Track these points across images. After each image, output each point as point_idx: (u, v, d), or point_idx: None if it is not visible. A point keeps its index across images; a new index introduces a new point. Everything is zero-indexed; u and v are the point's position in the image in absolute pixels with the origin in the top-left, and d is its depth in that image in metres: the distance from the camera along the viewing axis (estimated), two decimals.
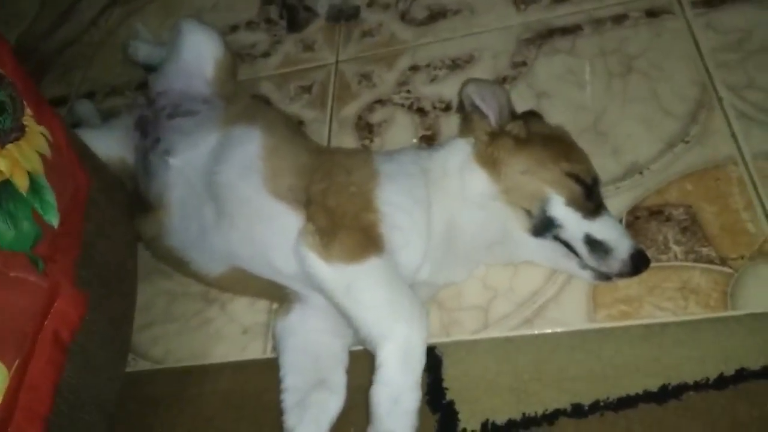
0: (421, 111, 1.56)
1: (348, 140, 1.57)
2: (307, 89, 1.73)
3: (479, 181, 1.14)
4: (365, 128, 1.58)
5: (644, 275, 1.13)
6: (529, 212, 1.12)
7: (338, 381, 1.11)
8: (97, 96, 2.00)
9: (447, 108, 1.54)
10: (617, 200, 1.25)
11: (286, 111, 1.67)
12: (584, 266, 1.12)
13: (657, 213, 1.22)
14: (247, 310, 1.35)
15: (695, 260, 1.14)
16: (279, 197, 1.15)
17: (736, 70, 1.36)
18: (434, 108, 1.56)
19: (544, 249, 1.14)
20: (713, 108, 1.32)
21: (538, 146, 1.14)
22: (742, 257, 1.12)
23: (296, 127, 1.43)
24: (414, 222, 1.10)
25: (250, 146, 1.23)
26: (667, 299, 1.11)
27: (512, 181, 1.12)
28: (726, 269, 1.12)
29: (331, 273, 1.04)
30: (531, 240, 1.13)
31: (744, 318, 1.05)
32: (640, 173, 1.28)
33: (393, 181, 1.13)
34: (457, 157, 1.17)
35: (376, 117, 1.59)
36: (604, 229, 1.10)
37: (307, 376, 1.12)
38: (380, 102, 1.62)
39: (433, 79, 1.61)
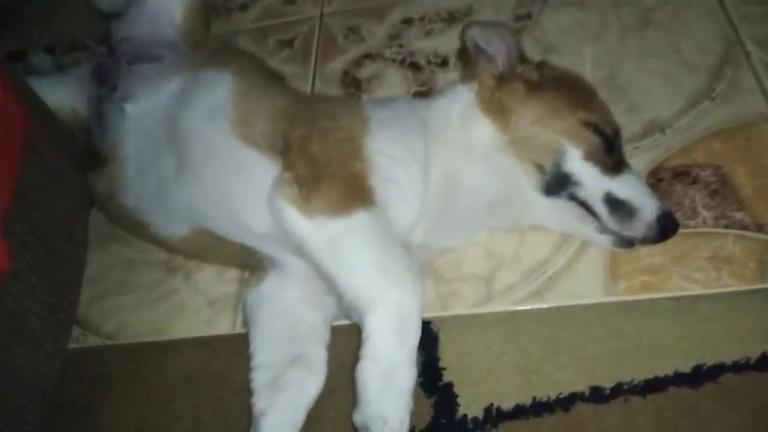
0: (414, 66, 1.41)
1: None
2: (288, 43, 1.56)
3: (484, 131, 0.99)
4: (352, 84, 1.42)
5: (669, 243, 0.99)
6: (540, 167, 0.97)
7: (317, 358, 0.96)
8: (56, 50, 1.80)
9: (444, 63, 1.39)
10: (636, 161, 1.10)
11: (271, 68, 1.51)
12: (603, 230, 0.97)
13: (682, 174, 1.08)
14: (215, 281, 1.18)
15: (727, 226, 1.01)
16: (250, 144, 0.99)
17: (762, 24, 1.23)
18: (429, 63, 1.40)
19: (556, 211, 0.99)
20: (740, 63, 1.19)
21: (553, 92, 0.99)
22: None
23: (274, 74, 1.26)
24: (409, 175, 0.95)
25: (219, 90, 1.07)
26: (697, 270, 0.97)
27: (522, 131, 0.98)
28: (762, 236, 0.98)
29: (312, 228, 0.88)
30: (542, 200, 0.98)
31: None
32: (662, 132, 1.14)
33: (386, 129, 0.97)
34: (458, 105, 1.02)
35: (364, 72, 1.44)
36: (627, 187, 0.96)
37: (282, 351, 0.96)
38: (369, 57, 1.46)
39: (429, 33, 1.46)
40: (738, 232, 0.99)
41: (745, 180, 1.04)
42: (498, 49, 1.03)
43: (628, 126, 1.15)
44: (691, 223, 1.02)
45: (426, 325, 1.00)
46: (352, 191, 0.90)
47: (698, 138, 1.11)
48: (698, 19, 1.28)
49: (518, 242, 1.07)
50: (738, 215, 1.01)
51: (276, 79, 1.24)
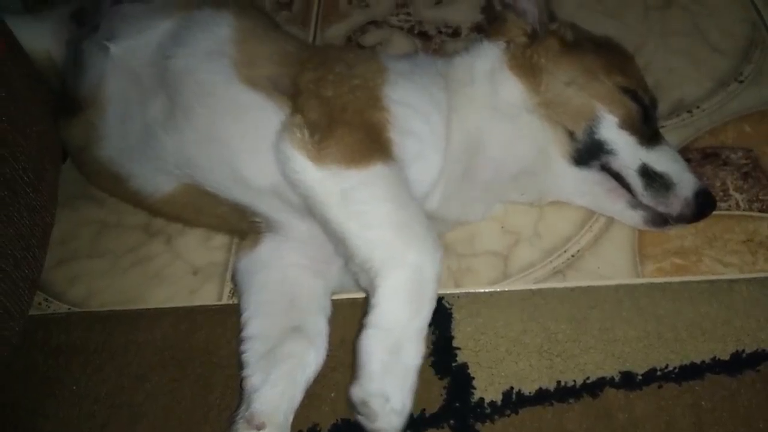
0: (423, 35, 1.32)
1: None
2: (287, 5, 1.46)
3: (512, 90, 0.91)
4: None
5: (700, 225, 0.93)
6: (572, 134, 0.89)
7: (318, 330, 0.85)
8: None
9: (455, 33, 1.31)
10: None
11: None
12: (635, 206, 0.90)
13: (712, 156, 1.02)
14: (201, 247, 1.06)
15: (761, 210, 0.95)
16: (253, 85, 0.89)
17: None
18: (439, 32, 1.32)
19: (585, 183, 0.92)
20: (767, 47, 1.14)
21: (590, 53, 0.92)
22: None
23: (277, 22, 1.16)
24: (432, 130, 0.86)
25: (220, 29, 0.96)
26: (731, 253, 0.91)
27: (554, 93, 0.90)
28: None
29: (324, 178, 0.78)
30: (571, 170, 0.91)
31: None
32: (689, 112, 1.08)
33: (405, 79, 0.88)
34: (486, 62, 0.93)
35: (369, 39, 1.34)
36: (665, 160, 0.89)
37: (279, 321, 0.85)
38: (374, 23, 1.37)
39: (439, 3, 1.38)
40: None
41: None
42: (527, 4, 0.95)
43: None
44: (723, 205, 0.96)
45: (438, 301, 0.90)
46: (371, 141, 0.80)
47: (727, 120, 1.06)
48: (721, 2, 1.23)
49: (538, 218, 0.99)
50: None
51: (279, 25, 1.14)
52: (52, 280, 1.06)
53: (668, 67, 1.15)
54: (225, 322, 0.94)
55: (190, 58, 0.94)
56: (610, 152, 0.88)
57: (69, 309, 1.02)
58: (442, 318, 0.89)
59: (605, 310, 0.87)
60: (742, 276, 0.88)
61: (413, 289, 0.74)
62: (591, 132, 0.89)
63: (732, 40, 1.16)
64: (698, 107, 1.08)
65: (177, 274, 1.04)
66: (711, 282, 0.88)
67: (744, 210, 0.95)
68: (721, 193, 0.97)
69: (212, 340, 0.94)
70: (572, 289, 0.90)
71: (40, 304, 1.03)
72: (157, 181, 0.97)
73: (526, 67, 0.91)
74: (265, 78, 0.90)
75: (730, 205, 0.96)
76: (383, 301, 0.74)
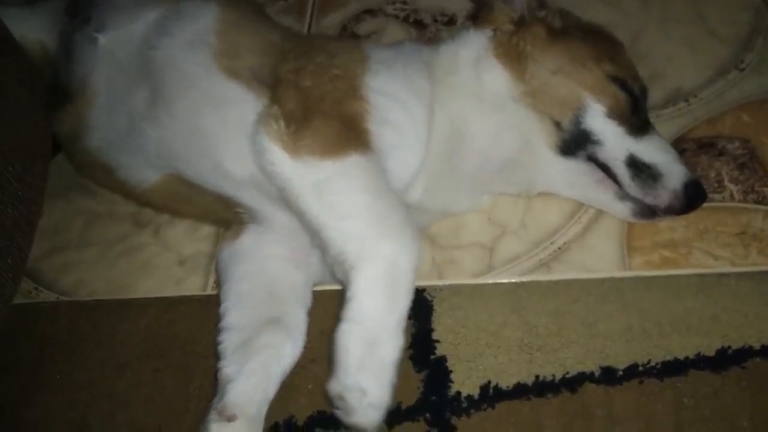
0: (419, 24, 1.30)
1: None
2: None
3: (498, 79, 0.89)
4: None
5: (692, 217, 0.90)
6: (558, 123, 0.87)
7: (297, 322, 0.85)
8: None
9: (451, 21, 1.29)
10: (659, 129, 1.00)
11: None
12: (623, 197, 0.88)
13: (708, 146, 0.99)
14: (187, 238, 1.06)
15: (756, 201, 0.92)
16: (233, 75, 0.88)
17: None
18: (435, 21, 1.30)
19: (572, 173, 0.89)
20: None
21: (577, 40, 0.89)
22: None
23: (266, 13, 1.15)
24: (412, 119, 0.84)
25: (204, 19, 0.96)
26: (723, 246, 0.88)
27: (540, 81, 0.87)
28: None
29: (298, 169, 0.77)
30: (557, 161, 0.88)
31: None
32: (686, 101, 1.04)
33: (387, 68, 0.87)
34: (471, 50, 0.91)
35: (364, 28, 1.33)
36: (653, 150, 0.86)
37: (257, 312, 0.85)
38: (370, 12, 1.35)
39: None
40: None
41: None
42: None
43: (651, 93, 1.05)
44: (717, 197, 0.93)
45: (419, 293, 0.90)
46: (347, 132, 0.79)
47: (725, 109, 1.02)
48: None
49: (526, 209, 0.97)
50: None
51: (266, 14, 1.14)
52: (43, 269, 1.08)
53: (667, 55, 1.11)
54: (208, 313, 0.93)
55: (172, 48, 0.94)
56: (596, 142, 0.86)
57: (58, 298, 1.03)
58: (422, 310, 0.88)
59: (589, 303, 0.85)
60: (732, 270, 0.85)
61: (388, 282, 0.73)
62: (577, 121, 0.86)
63: (734, 27, 1.12)
64: (696, 96, 1.05)
65: (164, 265, 1.04)
66: (699, 276, 0.85)
67: (738, 201, 0.92)
68: (716, 184, 0.94)
69: (195, 330, 0.94)
70: (556, 282, 0.88)
71: (30, 292, 1.04)
72: (143, 171, 0.97)
73: (511, 55, 0.89)
74: (246, 69, 0.89)
75: (724, 197, 0.93)
76: (358, 295, 0.73)
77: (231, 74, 0.89)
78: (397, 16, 1.33)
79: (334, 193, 0.75)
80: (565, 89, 0.87)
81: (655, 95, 1.05)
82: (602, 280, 0.87)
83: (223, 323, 0.85)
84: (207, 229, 1.06)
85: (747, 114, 1.00)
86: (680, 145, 0.99)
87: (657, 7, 1.19)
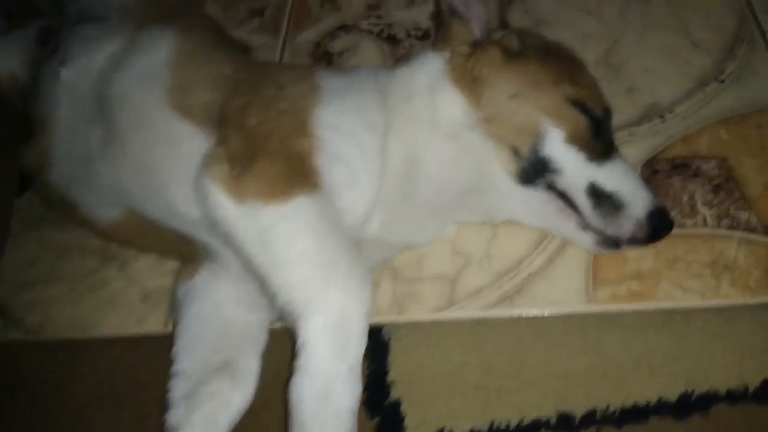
0: (392, 39, 1.27)
1: None
2: (259, 12, 1.42)
3: (454, 105, 0.85)
4: (323, 57, 1.28)
5: (662, 245, 0.85)
6: (517, 150, 0.83)
7: (248, 367, 0.83)
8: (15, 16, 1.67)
9: (425, 36, 1.25)
10: (631, 149, 0.97)
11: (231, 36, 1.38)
12: (585, 227, 0.83)
13: (682, 166, 0.94)
14: (152, 271, 1.05)
15: (731, 227, 0.87)
16: (185, 114, 0.86)
17: None
18: (408, 36, 1.26)
19: (533, 203, 0.85)
20: (755, 42, 1.04)
21: (535, 63, 0.85)
22: None
23: (233, 41, 1.13)
24: (363, 154, 0.81)
25: (159, 51, 0.94)
26: (694, 277, 0.83)
27: (497, 106, 0.84)
28: None
29: (242, 214, 0.74)
30: (517, 190, 0.85)
31: None
32: (661, 117, 0.99)
33: (339, 99, 0.84)
34: (426, 75, 0.87)
35: (337, 45, 1.30)
36: (616, 177, 0.82)
37: (207, 357, 0.83)
38: (344, 28, 1.32)
39: (411, 3, 1.32)
40: (743, 234, 0.85)
41: (754, 175, 0.90)
42: (476, 12, 0.89)
43: (624, 109, 1.01)
44: (689, 222, 0.88)
45: (376, 333, 0.87)
46: (294, 172, 0.76)
47: (703, 125, 0.97)
48: None
49: (490, 239, 0.94)
50: (743, 215, 0.87)
51: (233, 45, 1.11)
52: (13, 305, 1.07)
53: (644, 66, 1.06)
54: (167, 352, 0.92)
55: (126, 84, 0.92)
56: (555, 170, 0.82)
57: (24, 336, 1.03)
58: (378, 350, 0.86)
59: (550, 342, 0.81)
60: (701, 304, 0.81)
61: (337, 331, 0.70)
62: (536, 148, 0.82)
63: (716, 34, 1.06)
64: (672, 111, 0.99)
65: (127, 301, 1.03)
66: (666, 311, 0.80)
67: (712, 227, 0.87)
68: (689, 209, 0.89)
69: (155, 371, 0.92)
70: (517, 319, 0.85)
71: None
72: (103, 209, 0.96)
73: (467, 80, 0.85)
74: (197, 105, 0.87)
75: (696, 222, 0.88)
76: (307, 346, 0.70)
77: (182, 112, 0.86)
78: (371, 32, 1.29)
79: (279, 239, 0.73)
80: (523, 115, 0.83)
81: (630, 111, 1.01)
82: (565, 317, 0.83)
83: (173, 369, 0.83)
84: (171, 264, 1.04)
85: (725, 130, 0.95)
86: (654, 165, 0.95)
87: (637, 14, 1.14)
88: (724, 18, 1.09)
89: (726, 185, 0.90)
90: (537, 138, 0.82)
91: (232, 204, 0.75)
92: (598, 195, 0.81)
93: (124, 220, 0.95)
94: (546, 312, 0.85)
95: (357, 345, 0.71)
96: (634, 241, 0.81)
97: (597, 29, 1.14)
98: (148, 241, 1.00)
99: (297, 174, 0.76)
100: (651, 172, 0.94)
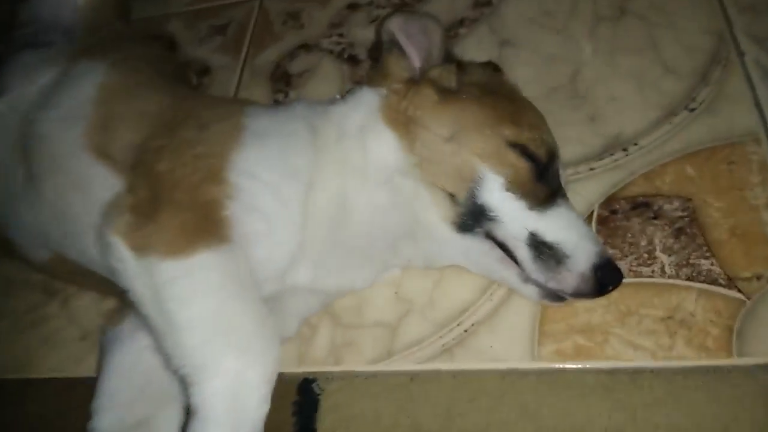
0: (352, 59, 1.21)
1: (259, 92, 1.23)
2: (222, 30, 1.38)
3: (386, 147, 0.79)
4: (282, 79, 1.24)
5: (615, 295, 0.78)
6: (453, 197, 0.77)
7: (167, 422, 0.78)
8: None
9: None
10: (589, 186, 0.90)
11: (193, 54, 1.33)
12: (527, 279, 0.77)
13: (642, 206, 0.87)
14: (92, 309, 1.02)
15: (690, 278, 0.79)
16: (101, 156, 0.82)
17: (764, 17, 1.00)
18: (370, 57, 1.20)
19: (471, 251, 0.80)
20: (731, 65, 0.97)
21: (472, 102, 0.79)
22: (759, 277, 0.77)
23: (179, 69, 1.08)
24: (281, 202, 0.76)
25: (86, 86, 0.90)
26: (645, 333, 0.77)
27: (431, 150, 0.78)
28: (735, 294, 0.77)
29: (139, 269, 0.70)
30: (454, 237, 0.79)
31: (757, 370, 0.71)
32: (624, 150, 0.92)
33: (260, 143, 0.78)
34: (359, 114, 0.82)
35: (297, 66, 1.25)
36: (558, 226, 0.75)
37: (125, 413, 0.79)
38: (305, 47, 1.27)
39: (374, 20, 1.26)
40: (703, 286, 0.78)
41: (721, 218, 0.83)
42: (419, 44, 0.83)
43: (586, 141, 0.95)
44: (645, 270, 0.81)
45: (307, 385, 0.82)
46: (200, 224, 0.71)
47: (668, 160, 0.90)
48: (686, 10, 1.05)
49: (436, 282, 0.88)
50: (705, 264, 0.80)
51: (180, 77, 1.06)
52: None
53: (610, 94, 0.99)
54: None
55: (48, 123, 0.88)
56: (493, 219, 0.76)
57: None
58: (307, 405, 0.80)
59: (484, 404, 0.75)
60: (652, 365, 0.74)
61: (231, 401, 0.65)
62: (473, 195, 0.76)
63: (690, 56, 0.99)
64: (636, 144, 0.92)
65: (67, 339, 1.00)
66: (611, 372, 0.74)
67: (669, 277, 0.80)
68: (646, 255, 0.82)
69: (84, 417, 0.89)
70: (454, 375, 0.79)
71: None
72: (34, 248, 0.93)
73: (401, 120, 0.79)
74: (116, 147, 0.83)
75: (653, 270, 0.81)
76: (198, 415, 0.65)
77: (99, 154, 0.82)
78: (331, 51, 1.24)
79: (174, 298, 0.68)
80: (459, 159, 0.77)
81: (591, 142, 0.95)
82: (504, 373, 0.77)
83: (90, 425, 0.79)
84: (111, 301, 1.00)
85: (692, 166, 0.88)
86: (612, 205, 0.88)
87: (607, 35, 1.06)
88: (701, 38, 1.01)
89: (689, 229, 0.83)
90: (474, 184, 0.76)
91: (131, 257, 0.71)
92: (538, 246, 0.74)
93: (55, 259, 0.92)
94: (486, 367, 0.79)
95: (254, 414, 0.66)
96: (579, 295, 0.75)
97: (563, 51, 1.07)
98: (83, 280, 0.96)
99: (203, 226, 0.71)
100: (609, 212, 0.87)
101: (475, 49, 1.12)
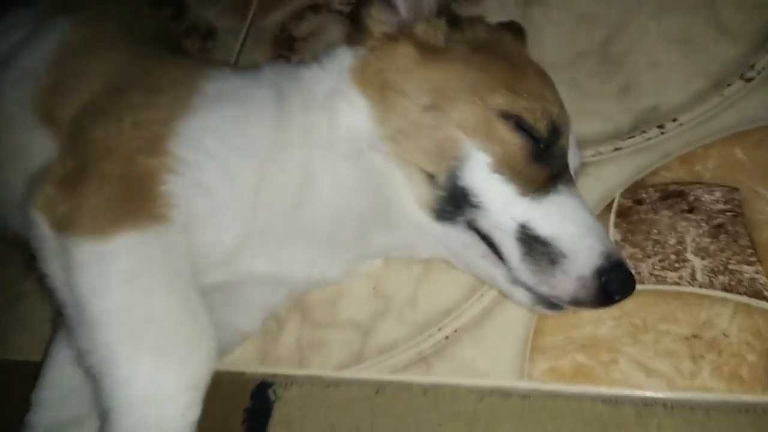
0: None
1: (261, 57, 1.12)
2: None
3: (354, 116, 0.67)
4: (285, 43, 1.13)
5: (629, 305, 0.64)
6: (431, 177, 0.64)
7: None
8: None
9: None
10: (611, 169, 0.75)
11: (202, 17, 1.25)
12: (515, 280, 0.63)
13: (675, 196, 0.71)
14: None
15: (727, 288, 0.63)
16: (47, 121, 0.73)
17: None
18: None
19: (452, 244, 0.67)
20: None
21: (459, 63, 0.65)
22: None
23: (156, 30, 0.98)
24: (229, 178, 0.65)
25: (45, 45, 0.82)
26: (664, 354, 0.62)
27: (407, 120, 0.65)
28: None
29: (55, 249, 0.61)
30: (432, 225, 0.66)
31: None
32: (660, 127, 0.76)
33: (213, 109, 0.68)
34: (330, 77, 0.70)
35: (302, 28, 1.14)
36: (556, 218, 0.61)
37: (63, 408, 0.72)
38: (314, 8, 1.16)
39: None
40: (743, 299, 0.62)
41: None
42: None
43: (614, 115, 0.79)
44: (671, 275, 0.66)
45: (262, 390, 0.72)
46: (129, 201, 0.62)
47: (713, 140, 0.73)
48: None
49: (419, 277, 0.76)
50: (748, 271, 0.63)
51: (158, 37, 0.97)
52: None
53: (651, 59, 0.82)
54: None
55: (5, 81, 0.80)
56: (477, 206, 0.62)
57: None
58: (260, 413, 0.70)
59: (458, 427, 0.63)
60: (666, 396, 0.59)
61: (143, 410, 0.56)
62: (453, 176, 0.63)
63: (750, 16, 0.81)
64: (675, 120, 0.76)
65: (38, 320, 0.94)
66: (614, 401, 0.60)
67: (701, 285, 0.64)
68: (673, 256, 0.67)
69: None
70: (425, 390, 0.67)
71: None
72: (14, 221, 0.87)
73: (375, 84, 0.67)
74: (65, 110, 0.74)
75: (681, 276, 0.65)
76: (109, 425, 0.57)
77: (44, 118, 0.74)
78: (341, 12, 1.12)
79: (88, 285, 0.59)
80: (439, 132, 0.63)
81: (619, 117, 0.79)
82: (483, 393, 0.64)
83: (27, 420, 0.72)
84: None
85: (742, 149, 0.71)
86: (637, 194, 0.72)
87: None
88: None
89: (731, 227, 0.66)
90: (456, 162, 0.63)
91: (50, 235, 0.62)
92: (529, 241, 0.60)
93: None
94: (464, 382, 0.66)
95: (175, 422, 0.57)
96: (578, 303, 0.60)
97: (599, 8, 0.90)
98: None
99: (134, 203, 0.62)
100: (632, 202, 0.72)
101: (495, 9, 0.97)
